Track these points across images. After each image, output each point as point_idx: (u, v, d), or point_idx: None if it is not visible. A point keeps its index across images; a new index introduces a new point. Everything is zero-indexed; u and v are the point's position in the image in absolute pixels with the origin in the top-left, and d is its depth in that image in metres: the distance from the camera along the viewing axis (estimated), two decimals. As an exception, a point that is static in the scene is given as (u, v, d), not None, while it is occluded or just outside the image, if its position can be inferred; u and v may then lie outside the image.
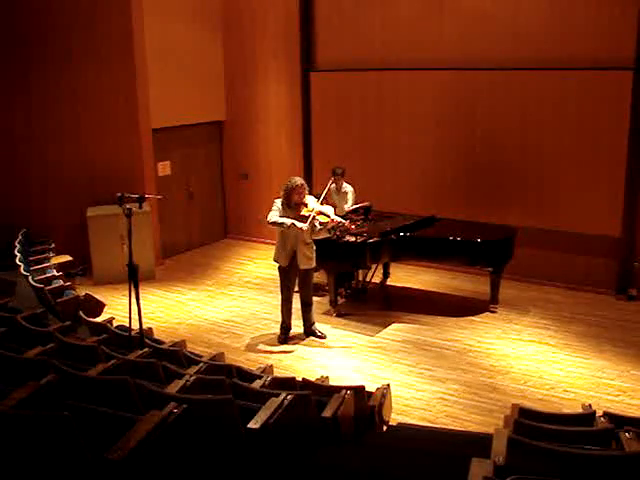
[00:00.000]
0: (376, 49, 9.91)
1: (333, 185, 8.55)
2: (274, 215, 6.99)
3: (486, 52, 9.05)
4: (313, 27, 10.41)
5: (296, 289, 7.47)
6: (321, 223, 7.04)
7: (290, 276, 7.28)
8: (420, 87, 9.68)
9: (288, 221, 6.90)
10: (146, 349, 5.28)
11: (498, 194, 9.31)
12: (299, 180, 7.09)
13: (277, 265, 7.31)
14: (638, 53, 8.07)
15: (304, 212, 6.97)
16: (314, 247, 7.24)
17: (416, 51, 9.59)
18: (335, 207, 8.07)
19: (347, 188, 8.74)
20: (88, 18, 9.47)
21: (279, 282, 7.40)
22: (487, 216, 8.92)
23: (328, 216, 7.04)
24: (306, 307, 7.52)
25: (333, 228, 7.59)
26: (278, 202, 7.07)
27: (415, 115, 9.77)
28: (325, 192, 7.40)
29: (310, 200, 7.08)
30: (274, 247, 7.35)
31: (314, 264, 7.30)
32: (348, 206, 8.64)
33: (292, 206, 7.00)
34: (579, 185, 8.75)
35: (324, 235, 7.34)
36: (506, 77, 9.01)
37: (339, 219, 7.26)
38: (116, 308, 8.22)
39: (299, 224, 6.86)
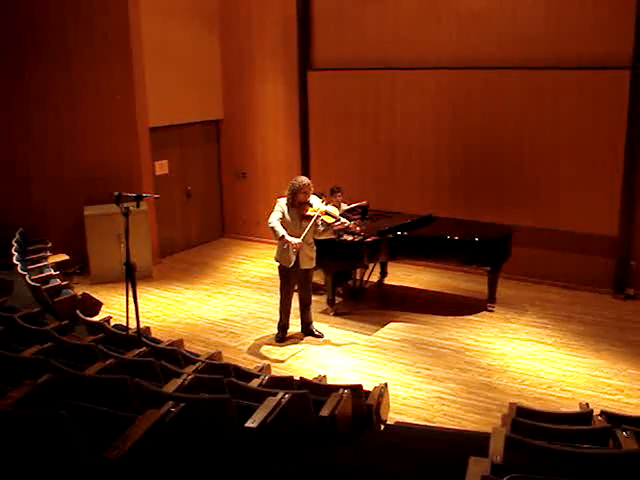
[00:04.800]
0: (374, 48, 9.91)
1: (333, 202, 8.48)
2: (275, 220, 6.94)
3: (483, 52, 9.06)
4: (311, 26, 10.40)
5: (295, 288, 7.46)
6: (327, 224, 7.01)
7: (291, 276, 7.25)
8: (418, 86, 9.68)
9: (281, 232, 6.82)
10: (144, 348, 5.27)
11: (496, 193, 9.32)
12: (305, 179, 7.05)
13: (277, 265, 7.28)
14: (635, 52, 8.08)
15: (309, 212, 6.94)
16: (315, 247, 7.23)
17: (414, 50, 9.60)
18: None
19: (344, 206, 8.69)
20: (86, 18, 9.46)
21: (279, 282, 7.38)
22: (485, 215, 8.92)
23: (334, 216, 7.02)
24: (305, 307, 7.51)
25: (338, 230, 7.56)
26: (282, 201, 7.03)
27: (413, 114, 9.77)
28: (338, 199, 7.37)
29: (314, 200, 7.06)
30: (275, 247, 7.30)
31: (314, 264, 7.29)
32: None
33: (296, 205, 6.98)
34: (577, 184, 8.76)
35: (328, 236, 7.31)
36: (504, 77, 9.01)
37: (345, 220, 7.25)
38: (113, 307, 8.21)
39: (290, 239, 6.80)
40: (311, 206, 6.97)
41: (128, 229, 5.41)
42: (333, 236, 7.51)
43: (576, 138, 8.68)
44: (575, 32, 8.47)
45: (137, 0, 9.46)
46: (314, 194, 7.15)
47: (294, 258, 7.00)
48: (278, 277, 7.39)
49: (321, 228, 7.04)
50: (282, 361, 6.99)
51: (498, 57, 8.96)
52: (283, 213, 6.98)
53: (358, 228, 7.70)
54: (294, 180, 7.07)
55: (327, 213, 6.99)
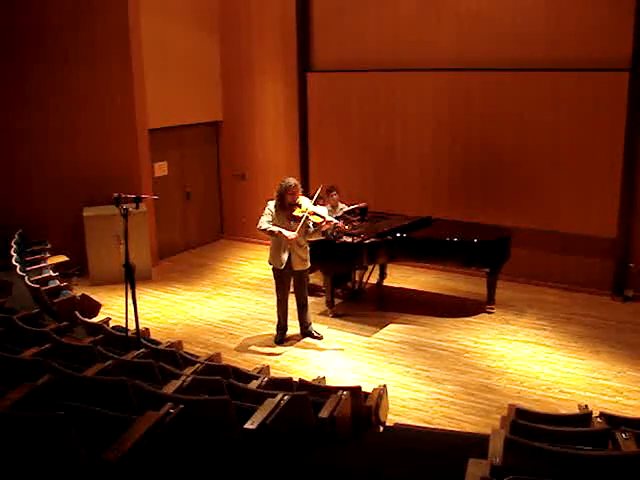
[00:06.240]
0: (373, 50, 9.92)
1: (330, 202, 8.52)
2: (264, 222, 7.00)
3: (483, 53, 9.06)
4: (310, 27, 10.41)
5: (291, 290, 7.47)
6: (314, 224, 7.01)
7: (284, 278, 7.27)
8: (417, 88, 9.68)
9: (276, 229, 6.90)
10: (142, 349, 5.27)
11: (495, 195, 9.32)
12: (292, 180, 7.06)
13: (271, 267, 7.30)
14: (634, 54, 8.09)
15: (297, 213, 6.95)
16: (308, 249, 7.24)
17: (413, 52, 9.60)
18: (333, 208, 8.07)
19: (342, 206, 8.70)
20: (85, 18, 9.46)
21: (274, 283, 7.40)
22: (484, 217, 8.93)
23: (322, 217, 7.01)
24: (301, 308, 7.51)
25: (328, 230, 7.56)
26: (271, 204, 7.06)
27: (412, 116, 9.78)
28: (318, 193, 7.36)
29: (304, 201, 7.06)
30: (268, 249, 7.34)
31: (308, 265, 7.30)
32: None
33: (286, 207, 6.99)
34: (575, 186, 8.76)
35: (317, 237, 7.33)
36: (503, 78, 9.02)
37: (333, 220, 7.25)
38: (112, 308, 8.21)
39: (286, 233, 6.84)
40: (300, 207, 6.98)
41: (127, 230, 5.42)
42: (323, 237, 7.53)
43: (575, 140, 8.69)
44: (574, 34, 8.47)
45: (137, 0, 9.47)
46: (304, 195, 7.19)
47: (285, 259, 7.05)
48: (273, 279, 7.42)
49: (312, 229, 7.05)
50: (281, 363, 6.99)
51: (497, 58, 8.97)
52: (272, 216, 7.02)
53: (347, 227, 7.73)
54: (281, 181, 7.08)
55: (315, 213, 6.99)
